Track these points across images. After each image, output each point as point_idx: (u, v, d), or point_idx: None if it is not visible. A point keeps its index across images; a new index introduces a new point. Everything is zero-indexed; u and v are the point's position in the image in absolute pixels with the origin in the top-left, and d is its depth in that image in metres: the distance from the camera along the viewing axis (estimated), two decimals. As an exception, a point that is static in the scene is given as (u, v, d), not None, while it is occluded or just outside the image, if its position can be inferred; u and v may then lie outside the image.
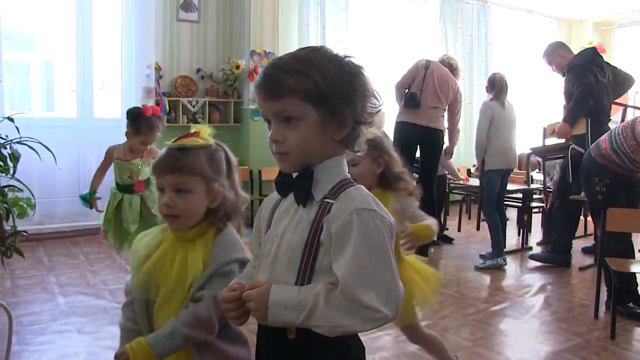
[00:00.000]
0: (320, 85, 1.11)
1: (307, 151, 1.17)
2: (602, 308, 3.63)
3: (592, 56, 4.93)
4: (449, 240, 5.78)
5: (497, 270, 4.75)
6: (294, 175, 1.21)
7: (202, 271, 1.49)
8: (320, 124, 1.15)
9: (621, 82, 5.10)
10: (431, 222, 2.27)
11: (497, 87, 4.89)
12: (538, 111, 8.51)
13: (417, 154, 5.17)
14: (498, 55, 8.47)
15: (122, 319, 1.64)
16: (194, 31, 6.53)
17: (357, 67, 1.18)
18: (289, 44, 6.85)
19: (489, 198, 4.96)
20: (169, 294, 1.52)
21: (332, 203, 1.14)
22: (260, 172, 6.49)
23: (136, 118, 3.33)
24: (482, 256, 4.92)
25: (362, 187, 1.20)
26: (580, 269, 4.75)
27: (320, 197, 1.16)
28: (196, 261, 1.50)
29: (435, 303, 2.35)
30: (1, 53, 5.11)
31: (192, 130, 1.56)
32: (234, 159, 1.63)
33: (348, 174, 1.22)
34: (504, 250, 5.00)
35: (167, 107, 6.11)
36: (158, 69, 6.14)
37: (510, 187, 5.34)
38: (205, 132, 1.57)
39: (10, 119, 2.59)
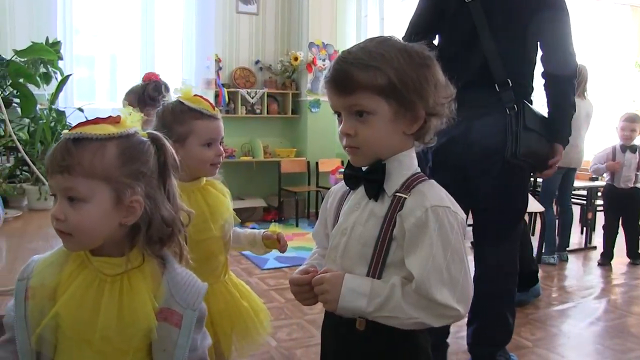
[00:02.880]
0: (393, 79, 1.10)
1: (379, 145, 1.15)
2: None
3: None
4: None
5: (558, 269, 4.62)
6: (364, 168, 1.19)
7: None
8: (393, 117, 1.13)
9: None
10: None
11: (579, 79, 4.68)
12: (609, 108, 8.15)
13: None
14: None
15: None
16: (253, 23, 6.58)
17: (428, 58, 1.16)
18: (347, 36, 6.84)
19: (546, 195, 4.81)
20: (91, 351, 1.00)
21: (405, 198, 1.13)
22: (317, 163, 6.51)
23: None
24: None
25: (434, 182, 1.18)
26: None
27: (392, 192, 1.15)
28: (143, 304, 1.00)
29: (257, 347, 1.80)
30: (72, 48, 5.30)
31: (115, 115, 1.05)
32: (174, 157, 1.11)
33: (419, 168, 1.21)
34: (567, 249, 4.90)
35: (227, 98, 6.21)
36: (218, 60, 6.23)
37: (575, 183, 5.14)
38: (131, 119, 1.07)
39: (81, 110, 2.67)
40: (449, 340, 2.63)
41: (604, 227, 4.99)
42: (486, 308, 2.39)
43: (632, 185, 4.83)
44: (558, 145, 2.39)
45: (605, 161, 4.86)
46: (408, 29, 2.51)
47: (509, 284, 2.49)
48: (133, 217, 1.01)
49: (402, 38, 2.60)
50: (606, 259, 4.81)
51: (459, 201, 1.17)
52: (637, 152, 4.79)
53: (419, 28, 2.43)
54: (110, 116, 1.04)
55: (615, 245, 4.84)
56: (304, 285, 1.21)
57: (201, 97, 1.67)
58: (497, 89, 2.28)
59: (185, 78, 5.78)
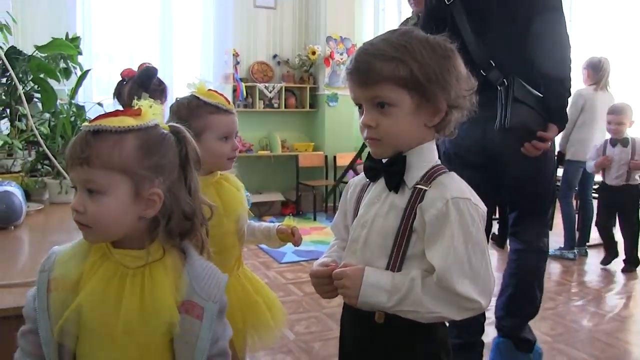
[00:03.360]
0: (415, 72, 1.10)
1: (400, 137, 1.16)
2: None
3: None
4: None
5: (578, 264, 4.58)
6: (384, 160, 1.20)
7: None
8: (414, 109, 1.13)
9: None
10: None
11: (601, 72, 4.63)
12: (633, 100, 7.95)
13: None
14: (579, 36, 8.06)
15: (18, 354, 1.05)
16: (271, 18, 6.58)
17: (450, 50, 1.16)
18: (364, 30, 6.83)
19: (566, 189, 4.77)
20: (113, 344, 1.00)
21: (426, 190, 1.13)
22: (335, 157, 6.51)
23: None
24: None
25: (454, 174, 1.18)
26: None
27: (413, 184, 1.15)
28: (165, 297, 1.00)
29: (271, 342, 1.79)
30: (91, 43, 5.38)
31: (135, 107, 1.04)
32: (196, 150, 1.09)
33: (439, 160, 1.20)
34: (587, 244, 4.85)
35: (244, 92, 6.22)
36: (235, 55, 6.25)
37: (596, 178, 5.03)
38: (154, 110, 1.06)
39: (100, 104, 2.70)
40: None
41: (596, 224, 4.67)
42: (517, 283, 2.63)
43: (624, 183, 4.40)
44: (553, 125, 2.35)
45: (597, 157, 4.46)
46: None
47: (540, 260, 2.66)
48: (152, 211, 1.01)
49: None
50: (609, 259, 4.55)
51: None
52: (629, 146, 4.35)
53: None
54: (130, 108, 1.03)
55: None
56: (324, 278, 1.21)
57: (215, 91, 1.67)
58: (484, 74, 2.28)
59: (201, 74, 5.80)
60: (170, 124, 1.09)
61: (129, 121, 1.00)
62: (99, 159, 0.97)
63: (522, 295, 2.65)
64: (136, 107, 1.04)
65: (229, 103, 1.66)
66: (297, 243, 1.83)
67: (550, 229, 5.21)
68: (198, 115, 1.60)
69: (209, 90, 1.65)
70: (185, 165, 1.06)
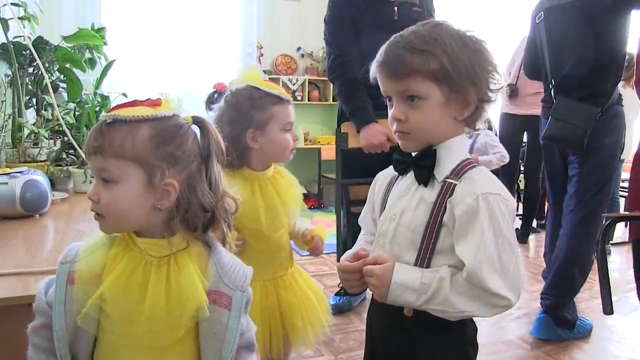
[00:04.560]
0: (446, 65, 1.09)
1: (430, 130, 1.15)
2: None
3: None
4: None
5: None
6: (413, 153, 1.19)
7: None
8: (444, 103, 1.12)
9: None
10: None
11: (631, 69, 4.54)
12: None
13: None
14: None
15: (31, 351, 1.03)
16: (295, 10, 6.57)
17: (480, 43, 1.15)
18: (389, 23, 6.77)
19: None
20: (137, 333, 0.99)
21: (455, 184, 1.12)
22: (357, 151, 6.48)
23: None
24: None
25: (484, 168, 1.17)
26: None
27: (442, 178, 1.14)
28: (192, 283, 0.99)
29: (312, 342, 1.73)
30: (116, 34, 5.39)
31: (155, 98, 1.03)
32: (219, 142, 1.06)
33: (469, 154, 1.19)
34: (610, 242, 4.79)
35: (268, 85, 6.22)
36: (259, 47, 6.25)
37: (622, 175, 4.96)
38: (173, 102, 1.04)
39: (124, 95, 2.72)
40: (488, 331, 2.63)
41: None
42: (558, 265, 2.86)
43: None
44: None
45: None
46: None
47: (582, 246, 2.82)
48: (167, 202, 0.99)
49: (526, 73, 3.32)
50: None
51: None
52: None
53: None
54: (149, 99, 1.02)
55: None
56: (352, 273, 1.20)
57: (270, 81, 1.63)
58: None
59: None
60: (193, 115, 1.06)
61: (144, 111, 1.00)
62: (111, 148, 0.96)
63: (561, 278, 2.85)
64: (155, 98, 1.03)
65: (287, 93, 1.62)
66: (313, 253, 1.73)
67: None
68: (262, 106, 1.56)
69: (265, 80, 1.61)
70: (207, 156, 1.04)
